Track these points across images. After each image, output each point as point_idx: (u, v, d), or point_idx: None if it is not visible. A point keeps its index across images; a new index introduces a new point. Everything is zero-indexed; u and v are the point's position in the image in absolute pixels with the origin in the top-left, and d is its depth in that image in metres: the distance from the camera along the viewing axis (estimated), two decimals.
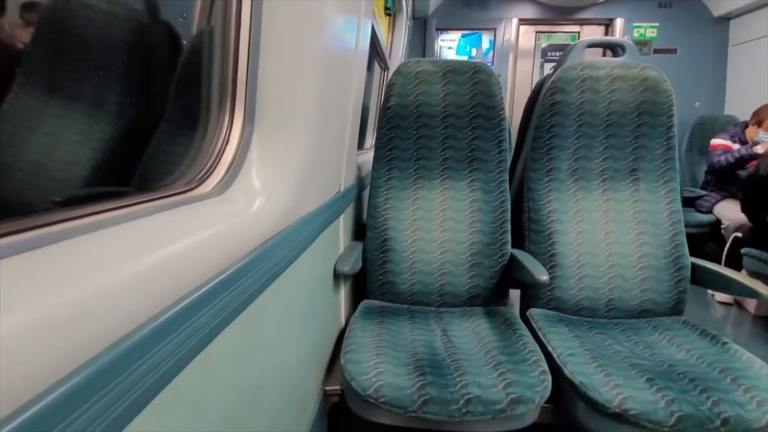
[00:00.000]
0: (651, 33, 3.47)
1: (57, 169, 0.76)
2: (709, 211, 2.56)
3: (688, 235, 1.19)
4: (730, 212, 2.39)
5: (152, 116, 0.84)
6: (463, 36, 3.71)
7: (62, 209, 0.38)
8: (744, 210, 2.07)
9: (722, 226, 2.42)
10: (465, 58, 3.72)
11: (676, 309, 1.14)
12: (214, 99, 0.62)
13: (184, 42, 1.01)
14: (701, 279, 1.14)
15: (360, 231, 1.38)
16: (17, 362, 0.23)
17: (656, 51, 3.46)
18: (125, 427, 0.31)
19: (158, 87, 0.87)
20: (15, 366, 0.23)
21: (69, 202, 0.57)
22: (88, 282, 0.30)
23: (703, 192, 2.67)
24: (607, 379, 0.82)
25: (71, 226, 0.35)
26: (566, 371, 0.85)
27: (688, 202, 2.66)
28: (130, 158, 0.77)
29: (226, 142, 0.61)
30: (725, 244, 2.34)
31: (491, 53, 3.71)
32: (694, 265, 1.15)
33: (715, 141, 2.64)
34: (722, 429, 0.73)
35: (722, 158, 2.48)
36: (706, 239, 2.58)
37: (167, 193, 0.50)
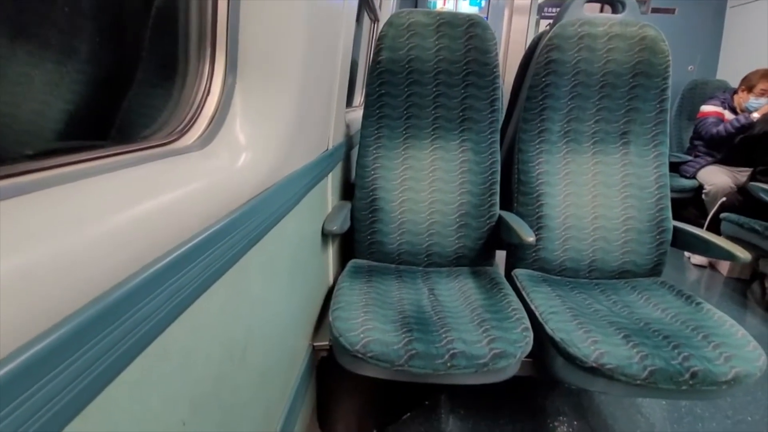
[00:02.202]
0: None
1: (28, 120, 0.72)
2: (693, 177, 2.60)
3: (671, 200, 1.21)
4: (713, 178, 2.44)
5: (128, 64, 0.78)
6: None
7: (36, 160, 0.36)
8: (728, 157, 2.31)
9: (704, 191, 2.47)
10: (476, 9, 3.59)
11: (655, 270, 1.18)
12: (192, 45, 0.58)
13: None
14: (681, 242, 1.17)
15: (348, 190, 1.36)
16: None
17: (654, 10, 3.37)
18: (114, 380, 0.31)
19: (133, 31, 0.81)
20: None
21: (42, 156, 0.54)
22: (67, 234, 0.29)
23: (688, 157, 2.70)
24: (586, 335, 0.85)
25: (45, 176, 0.33)
26: (547, 328, 0.88)
27: (673, 167, 2.69)
28: (106, 109, 0.73)
29: (207, 92, 0.57)
30: (705, 209, 2.40)
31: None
32: (675, 228, 1.17)
33: (706, 108, 2.63)
34: (691, 382, 0.77)
35: (721, 128, 2.47)
36: (687, 204, 2.64)
37: (147, 145, 0.48)
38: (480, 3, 3.61)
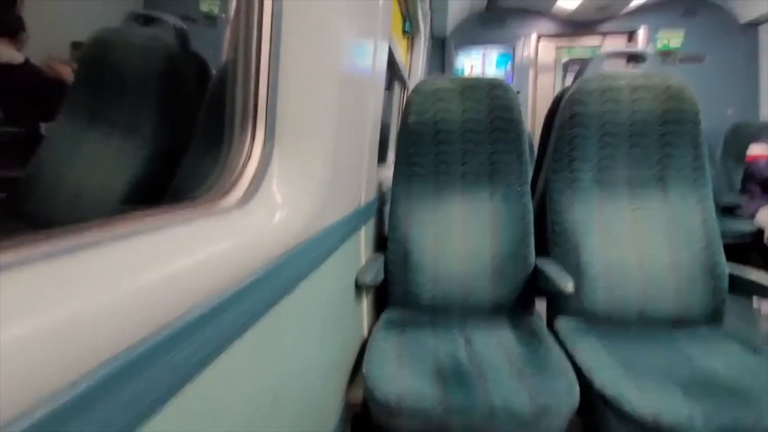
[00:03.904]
0: (675, 43, 3.40)
1: (97, 189, 0.82)
2: (751, 218, 2.44)
3: (729, 246, 1.14)
4: None
5: (184, 139, 0.89)
6: (500, 55, 3.79)
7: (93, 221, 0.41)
8: None
9: (766, 236, 2.29)
10: (502, 71, 3.78)
11: (714, 318, 1.08)
12: (237, 119, 0.66)
13: (214, 71, 1.08)
14: (740, 287, 1.08)
15: (381, 243, 1.39)
16: (39, 360, 0.25)
17: (683, 60, 3.39)
18: (140, 429, 0.32)
19: (189, 112, 0.93)
20: (37, 363, 0.25)
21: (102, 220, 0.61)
22: (111, 288, 0.32)
23: (743, 200, 2.55)
24: (639, 390, 0.78)
25: (99, 236, 0.37)
26: (596, 382, 0.82)
27: (727, 211, 2.54)
28: (164, 178, 0.82)
29: (248, 157, 0.64)
30: None
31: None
32: (732, 274, 1.09)
33: (756, 150, 2.53)
34: None
35: None
36: (748, 249, 2.44)
37: (192, 206, 0.53)
38: (506, 65, 3.80)
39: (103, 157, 0.75)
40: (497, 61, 3.84)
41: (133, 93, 0.91)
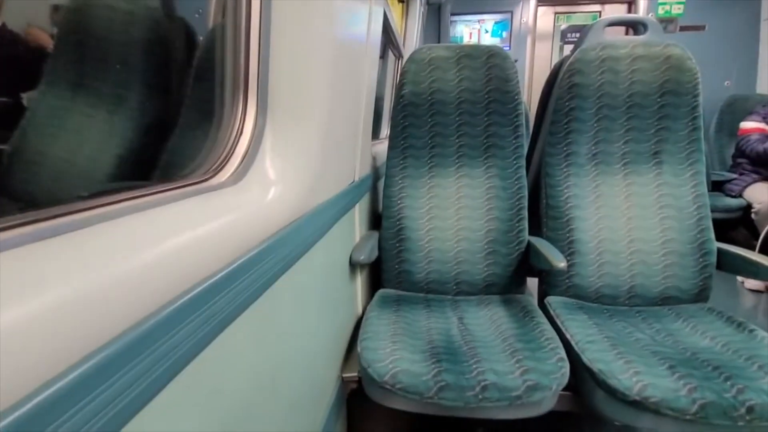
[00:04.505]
0: (677, 9, 3.31)
1: (84, 164, 0.79)
2: (739, 195, 2.47)
3: (717, 221, 1.15)
4: (762, 196, 2.30)
5: (172, 111, 0.86)
6: (497, 22, 3.67)
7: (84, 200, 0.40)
8: None
9: (753, 210, 2.32)
10: (497, 41, 3.67)
11: (700, 296, 1.11)
12: (227, 91, 0.64)
13: (201, 38, 1.03)
14: (728, 265, 1.10)
15: (376, 220, 1.38)
16: (45, 339, 0.25)
17: (683, 28, 3.31)
18: (145, 407, 0.32)
19: (177, 82, 0.89)
20: (43, 342, 0.25)
21: (94, 197, 0.59)
22: (106, 268, 0.31)
23: (733, 175, 2.56)
24: (627, 366, 0.81)
25: (91, 215, 0.36)
26: (584, 359, 0.84)
27: (717, 186, 2.56)
28: (152, 152, 0.80)
29: (240, 132, 0.62)
30: (756, 229, 2.25)
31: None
32: (720, 251, 1.11)
33: (747, 125, 2.51)
34: (747, 417, 0.71)
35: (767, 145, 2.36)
36: (735, 225, 2.49)
37: (184, 183, 0.52)
38: (501, 34, 3.69)
39: (89, 130, 0.72)
40: (494, 29, 3.73)
41: (118, 61, 0.87)
